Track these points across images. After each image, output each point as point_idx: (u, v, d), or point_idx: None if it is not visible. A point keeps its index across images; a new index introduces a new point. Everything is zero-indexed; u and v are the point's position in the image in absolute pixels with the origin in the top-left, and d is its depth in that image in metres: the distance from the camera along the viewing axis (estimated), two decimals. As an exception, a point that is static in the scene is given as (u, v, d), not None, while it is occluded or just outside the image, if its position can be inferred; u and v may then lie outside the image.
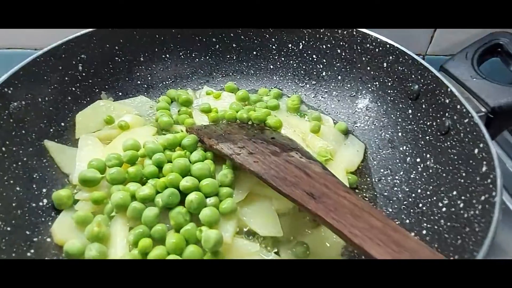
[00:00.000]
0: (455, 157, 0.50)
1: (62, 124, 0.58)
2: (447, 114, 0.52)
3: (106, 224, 0.46)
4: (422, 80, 0.58)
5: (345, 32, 0.67)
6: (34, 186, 0.49)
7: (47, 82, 0.56)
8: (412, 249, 0.31)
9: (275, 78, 0.77)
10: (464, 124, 0.49)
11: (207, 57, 0.76)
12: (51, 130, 0.56)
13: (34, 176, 0.50)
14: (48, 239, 0.46)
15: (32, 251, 0.43)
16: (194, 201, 0.46)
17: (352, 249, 0.50)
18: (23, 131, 0.51)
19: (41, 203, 0.49)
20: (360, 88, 0.69)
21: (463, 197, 0.45)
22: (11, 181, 0.47)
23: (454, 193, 0.47)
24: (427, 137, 0.56)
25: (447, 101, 0.53)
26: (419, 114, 0.58)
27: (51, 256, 0.44)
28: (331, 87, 0.73)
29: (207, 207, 0.46)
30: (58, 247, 0.45)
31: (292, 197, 0.39)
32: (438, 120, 0.54)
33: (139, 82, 0.71)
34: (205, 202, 0.47)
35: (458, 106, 0.50)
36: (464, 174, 0.47)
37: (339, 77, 0.71)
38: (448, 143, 0.52)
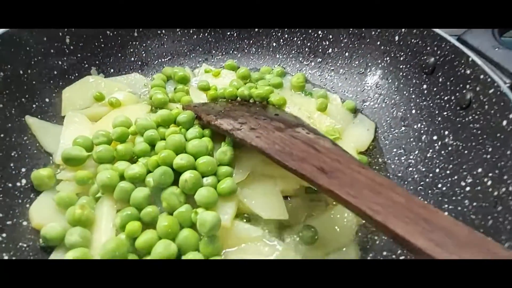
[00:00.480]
0: (479, 132, 0.45)
1: (47, 100, 0.53)
2: (468, 86, 0.47)
3: (91, 207, 0.41)
4: (438, 52, 0.52)
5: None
6: (11, 164, 0.45)
7: (29, 54, 0.51)
8: (446, 228, 0.26)
9: (278, 56, 0.72)
10: (488, 95, 0.44)
11: (206, 34, 0.71)
12: (34, 106, 0.51)
13: (12, 154, 0.45)
14: (25, 223, 0.41)
15: (3, 235, 0.39)
16: (189, 180, 0.41)
17: (365, 234, 0.45)
18: (1, 105, 0.46)
19: (18, 183, 0.44)
20: (369, 64, 0.64)
21: (490, 174, 0.40)
22: (-14, 158, 0.43)
23: (479, 170, 0.42)
24: (445, 113, 0.51)
25: (467, 72, 0.48)
26: (435, 89, 0.53)
27: (26, 241, 0.39)
28: (338, 64, 0.68)
29: (204, 187, 0.42)
30: (35, 231, 0.41)
31: (300, 172, 0.34)
32: (458, 94, 0.49)
33: (132, 58, 0.66)
34: (201, 182, 0.42)
35: (482, 76, 0.45)
36: (490, 149, 0.42)
37: (346, 54, 0.66)
38: (470, 117, 0.47)
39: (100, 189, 0.42)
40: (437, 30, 0.53)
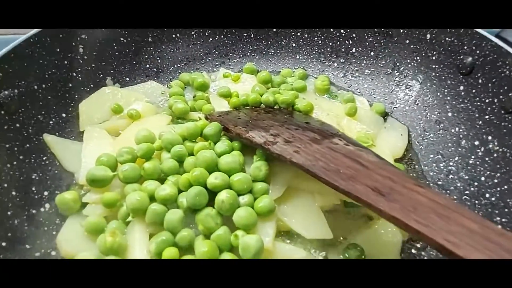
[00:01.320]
0: (529, 138, 0.42)
1: (63, 115, 0.50)
2: (514, 88, 0.45)
3: (122, 232, 0.39)
4: (477, 51, 0.49)
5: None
6: (33, 189, 0.42)
7: (43, 67, 0.48)
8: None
9: (298, 57, 0.69)
10: (540, 98, 0.41)
11: (222, 36, 0.68)
12: (51, 122, 0.48)
13: (33, 177, 0.42)
14: (53, 253, 0.38)
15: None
16: (226, 201, 0.38)
17: (412, 247, 0.43)
18: (18, 125, 0.43)
19: (42, 209, 0.41)
20: (398, 64, 0.61)
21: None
22: (5, 185, 0.39)
23: (535, 180, 0.40)
24: (487, 117, 0.48)
25: (513, 73, 0.45)
26: (474, 91, 0.50)
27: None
28: (363, 64, 0.64)
29: (241, 207, 0.39)
30: (67, 261, 0.38)
31: (355, 194, 0.32)
32: (502, 96, 0.46)
33: (148, 65, 0.63)
34: (238, 202, 0.40)
35: (530, 79, 0.42)
36: (546, 158, 0.39)
37: (372, 53, 0.63)
38: (517, 122, 0.44)
39: (131, 212, 0.39)
40: (476, 29, 0.49)
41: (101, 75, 0.57)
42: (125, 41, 0.60)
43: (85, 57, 0.54)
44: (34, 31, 0.46)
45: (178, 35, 0.65)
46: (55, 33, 0.50)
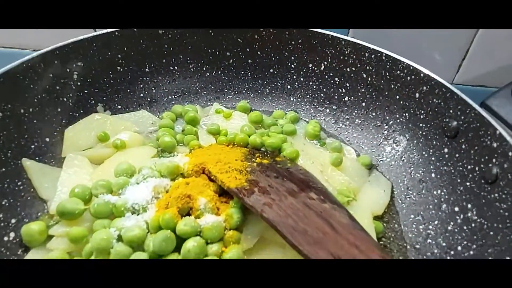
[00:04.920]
0: (506, 214, 0.41)
1: (47, 139, 0.51)
2: (494, 160, 0.44)
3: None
4: (462, 117, 0.50)
5: (372, 56, 0.59)
6: (0, 215, 0.41)
7: (32, 91, 0.49)
8: None
9: (292, 99, 0.69)
10: (519, 175, 0.41)
11: (219, 72, 0.69)
12: (33, 146, 0.48)
13: (3, 202, 0.42)
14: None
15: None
16: (192, 250, 0.37)
17: None
18: (-3, 148, 0.43)
19: (6, 238, 0.40)
20: (387, 118, 0.62)
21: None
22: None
23: (507, 258, 0.39)
24: (468, 183, 0.48)
25: (494, 145, 0.45)
26: (457, 155, 0.50)
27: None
28: (354, 114, 0.65)
29: (208, 257, 0.38)
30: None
31: (314, 259, 0.31)
32: (482, 166, 0.46)
33: (142, 94, 0.64)
34: (205, 251, 0.39)
35: (510, 154, 0.42)
36: (521, 238, 0.39)
37: (363, 104, 0.64)
38: (496, 194, 0.44)
39: (94, 251, 0.38)
40: (461, 94, 0.50)
41: (93, 101, 0.58)
42: (121, 69, 0.61)
43: (79, 83, 0.55)
44: (27, 57, 0.47)
45: (176, 67, 0.67)
46: (50, 58, 0.51)
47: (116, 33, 0.57)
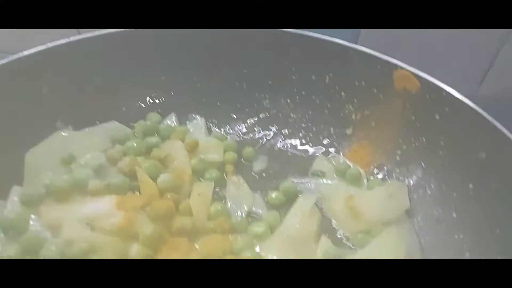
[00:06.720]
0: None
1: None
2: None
3: None
4: (492, 147, 0.42)
5: (385, 69, 0.51)
6: None
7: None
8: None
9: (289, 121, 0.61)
10: None
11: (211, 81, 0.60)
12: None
13: None
14: None
15: None
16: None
17: None
18: None
19: None
20: (400, 141, 0.53)
21: None
22: None
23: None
24: (498, 230, 0.40)
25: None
26: (484, 193, 0.42)
27: None
28: (361, 134, 0.57)
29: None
30: None
31: None
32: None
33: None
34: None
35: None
36: None
37: (373, 124, 0.56)
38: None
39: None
40: (493, 121, 0.42)
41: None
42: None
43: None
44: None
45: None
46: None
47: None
